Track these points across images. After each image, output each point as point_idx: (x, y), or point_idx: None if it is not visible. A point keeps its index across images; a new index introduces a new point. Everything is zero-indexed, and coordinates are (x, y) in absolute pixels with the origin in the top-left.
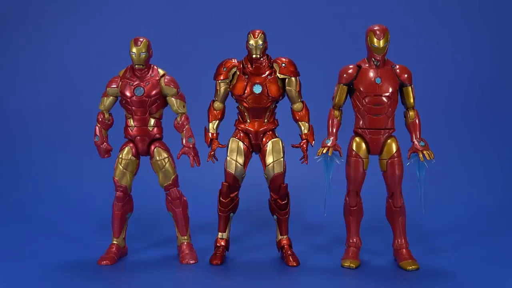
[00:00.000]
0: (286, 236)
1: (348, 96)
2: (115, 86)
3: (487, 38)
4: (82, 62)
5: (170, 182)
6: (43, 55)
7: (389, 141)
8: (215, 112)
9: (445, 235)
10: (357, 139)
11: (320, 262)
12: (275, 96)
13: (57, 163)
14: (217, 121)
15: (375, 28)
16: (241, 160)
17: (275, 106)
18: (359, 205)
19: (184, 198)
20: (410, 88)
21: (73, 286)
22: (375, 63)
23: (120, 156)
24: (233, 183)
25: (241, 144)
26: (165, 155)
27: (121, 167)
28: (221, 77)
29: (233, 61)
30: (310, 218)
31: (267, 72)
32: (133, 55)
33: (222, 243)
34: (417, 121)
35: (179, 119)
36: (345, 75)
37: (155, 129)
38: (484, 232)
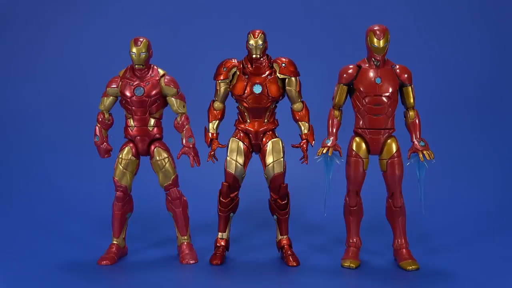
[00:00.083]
0: (286, 236)
1: (348, 96)
2: (115, 86)
3: (487, 38)
4: (82, 62)
5: (170, 182)
6: (43, 55)
7: (389, 141)
8: (215, 112)
9: (445, 235)
10: (357, 139)
11: (320, 262)
12: (275, 96)
13: (57, 163)
14: (217, 121)
15: (375, 28)
16: (241, 160)
17: (275, 106)
18: (359, 205)
19: (184, 198)
20: (410, 88)
21: (73, 286)
22: (375, 63)
23: (120, 156)
24: (233, 183)
25: (241, 144)
26: (165, 155)
27: (121, 167)
28: (221, 77)
29: (233, 61)
30: (310, 218)
31: (267, 72)
32: (133, 55)
33: (222, 243)
34: (417, 121)
35: (179, 119)
36: (345, 75)
37: (155, 129)
38: (484, 232)
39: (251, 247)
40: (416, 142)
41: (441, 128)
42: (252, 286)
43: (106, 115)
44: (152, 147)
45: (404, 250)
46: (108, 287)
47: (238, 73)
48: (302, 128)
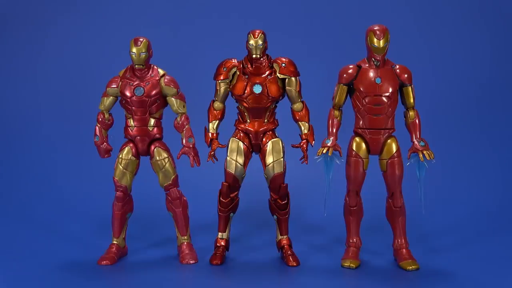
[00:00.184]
0: (286, 236)
1: (348, 96)
2: (115, 86)
3: (487, 38)
4: (82, 62)
5: (170, 182)
6: (43, 55)
7: (389, 141)
8: (215, 112)
9: (445, 235)
10: (357, 139)
11: (320, 262)
12: (275, 96)
13: (57, 163)
14: (217, 121)
15: (375, 28)
16: (241, 160)
17: (275, 106)
18: (359, 205)
19: (184, 198)
20: (410, 88)
21: (73, 286)
22: (375, 63)
23: (120, 156)
24: (233, 183)
25: (241, 144)
26: (165, 155)
27: (121, 167)
28: (221, 77)
29: (233, 61)
30: (310, 218)
31: (267, 72)
32: (133, 55)
33: (222, 243)
34: (417, 121)
35: (179, 119)
36: (345, 75)
37: (155, 129)
38: (484, 232)
39: (251, 247)
40: (416, 142)
41: (441, 128)
42: (252, 286)
43: (106, 115)
44: (152, 147)
45: (404, 250)
46: (108, 287)
47: (238, 73)
48: (302, 128)
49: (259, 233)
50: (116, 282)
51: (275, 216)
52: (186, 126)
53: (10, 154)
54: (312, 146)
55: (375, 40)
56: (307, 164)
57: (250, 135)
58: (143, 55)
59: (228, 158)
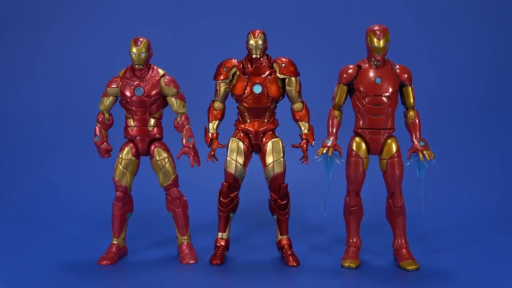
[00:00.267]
0: (286, 236)
1: (348, 96)
2: (115, 86)
3: (487, 38)
4: (82, 62)
5: (170, 182)
6: (43, 55)
7: (389, 141)
8: (215, 112)
9: (445, 235)
10: (357, 139)
11: (320, 262)
12: (275, 96)
13: (57, 163)
14: (217, 121)
15: (375, 28)
16: (241, 160)
17: (275, 106)
18: (359, 205)
19: (184, 198)
20: (410, 88)
21: (73, 286)
22: (375, 63)
23: (120, 156)
24: (233, 183)
25: (241, 144)
26: (165, 155)
27: (121, 167)
28: (221, 77)
29: (233, 61)
30: (310, 218)
31: (267, 72)
32: (133, 55)
33: (222, 243)
34: (417, 121)
35: (179, 119)
36: (345, 75)
37: (155, 129)
38: (484, 232)
39: (251, 247)
40: (416, 142)
41: (441, 128)
42: (252, 286)
43: (106, 115)
44: (152, 147)
45: (404, 250)
46: (108, 287)
47: (238, 73)
48: (302, 128)
49: (259, 233)
50: (116, 282)
51: (275, 216)
52: (186, 126)
53: (10, 154)
54: (312, 146)
55: (375, 40)
56: (307, 164)
57: (250, 135)
58: (143, 55)
59: (228, 158)
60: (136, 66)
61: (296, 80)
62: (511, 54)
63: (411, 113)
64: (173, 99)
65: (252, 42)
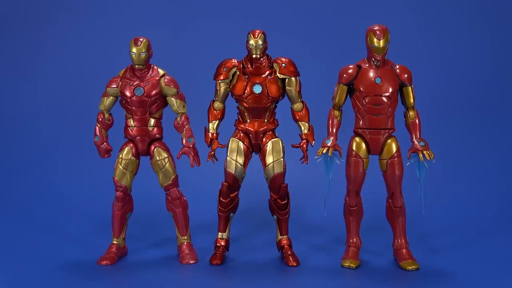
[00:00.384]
0: (286, 236)
1: (348, 96)
2: (115, 86)
3: (487, 38)
4: (82, 62)
5: (170, 182)
6: (43, 55)
7: (389, 141)
8: (215, 112)
9: (445, 235)
10: (357, 139)
11: (320, 262)
12: (275, 96)
13: (57, 163)
14: (217, 121)
15: (375, 28)
16: (241, 160)
17: (275, 106)
18: (359, 205)
19: (184, 198)
20: (410, 88)
21: (73, 286)
22: (375, 63)
23: (120, 156)
24: (233, 183)
25: (241, 144)
26: (165, 155)
27: (121, 167)
28: (221, 77)
29: (233, 61)
30: (310, 218)
31: (267, 72)
32: (133, 55)
33: (222, 243)
34: (417, 121)
35: (179, 119)
36: (345, 75)
37: (155, 129)
38: (484, 232)
39: (251, 247)
40: (416, 142)
41: (441, 128)
42: (252, 286)
43: (106, 115)
44: (152, 147)
45: (404, 250)
46: (108, 287)
47: (238, 73)
48: (302, 128)
49: (259, 233)
50: (116, 282)
51: (275, 216)
52: (186, 126)
53: (10, 154)
54: (312, 146)
55: (375, 40)
56: (307, 164)
57: (250, 135)
58: (143, 55)
59: (228, 158)
60: (136, 66)
61: (296, 80)
62: (511, 54)
63: (411, 113)
64: (173, 99)
65: (252, 42)
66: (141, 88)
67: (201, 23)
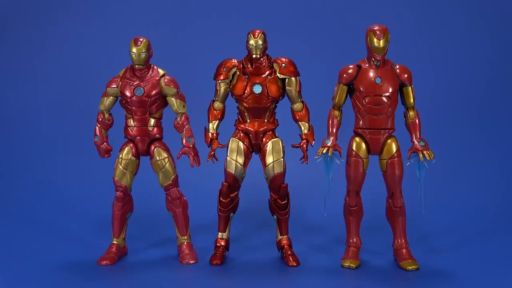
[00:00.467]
0: (286, 236)
1: (348, 96)
2: (115, 86)
3: (488, 38)
4: (82, 62)
5: (170, 182)
6: (43, 55)
7: (389, 141)
8: (215, 112)
9: (445, 235)
10: (357, 139)
11: (320, 262)
12: (275, 96)
13: (57, 163)
14: (217, 121)
15: (375, 28)
16: (241, 160)
17: (275, 106)
18: (359, 205)
19: (184, 198)
20: (410, 88)
21: (73, 286)
22: (375, 63)
23: (120, 156)
24: (233, 183)
25: (241, 144)
26: (165, 155)
27: (121, 167)
28: (221, 77)
29: (233, 61)
30: (310, 218)
31: (267, 72)
32: (133, 55)
33: (222, 243)
34: (417, 121)
35: (179, 119)
36: (345, 75)
37: (155, 129)
38: (484, 232)
39: (251, 247)
40: (416, 142)
41: (441, 128)
42: (252, 286)
43: (106, 115)
44: (152, 147)
45: (404, 250)
46: (108, 287)
47: (238, 73)
48: (302, 128)
49: (259, 233)
50: (116, 282)
51: (275, 216)
52: (186, 126)
53: (10, 154)
54: (312, 146)
55: (375, 40)
56: (307, 164)
57: (250, 135)
58: (143, 55)
59: (228, 158)
60: (136, 66)
61: (296, 80)
62: (511, 54)
63: (411, 113)
64: (173, 99)
65: (252, 42)
66: (141, 88)
67: (201, 23)
